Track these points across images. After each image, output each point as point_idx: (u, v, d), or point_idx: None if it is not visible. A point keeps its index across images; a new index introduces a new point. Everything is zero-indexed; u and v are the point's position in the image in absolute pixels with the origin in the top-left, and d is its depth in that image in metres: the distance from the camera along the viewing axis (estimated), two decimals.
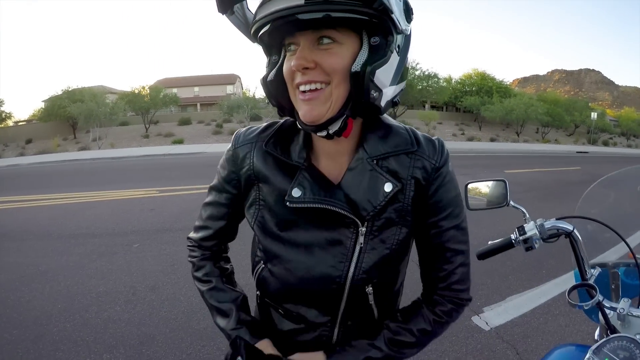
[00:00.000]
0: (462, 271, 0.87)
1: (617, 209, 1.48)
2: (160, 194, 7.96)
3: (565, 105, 42.37)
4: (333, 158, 0.84)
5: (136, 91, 31.06)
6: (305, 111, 0.72)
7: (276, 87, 0.77)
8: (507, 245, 1.11)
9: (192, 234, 1.02)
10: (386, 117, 0.86)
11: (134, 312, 3.22)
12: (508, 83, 46.96)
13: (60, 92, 29.94)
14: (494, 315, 3.16)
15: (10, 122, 33.33)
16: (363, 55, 0.69)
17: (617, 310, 0.94)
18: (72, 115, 25.38)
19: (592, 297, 0.89)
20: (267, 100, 0.85)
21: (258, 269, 0.90)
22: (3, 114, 30.66)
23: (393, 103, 0.78)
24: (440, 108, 45.32)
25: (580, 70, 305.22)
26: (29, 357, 2.66)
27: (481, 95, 38.24)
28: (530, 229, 1.06)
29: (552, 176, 11.87)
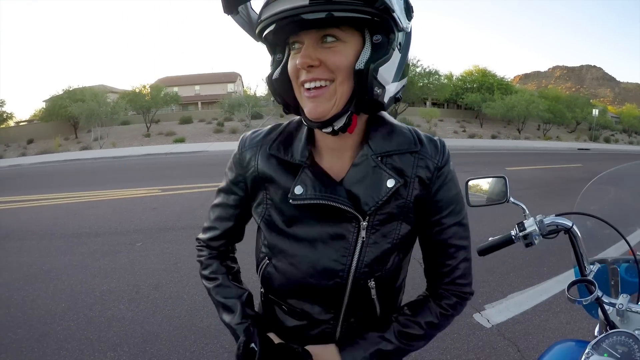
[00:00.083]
0: (464, 266, 0.91)
1: (618, 206, 1.49)
2: (163, 193, 7.98)
3: (566, 102, 42.21)
4: (336, 154, 0.86)
5: (137, 90, 31.07)
6: (311, 108, 0.74)
7: (281, 84, 0.79)
8: (507, 241, 1.12)
9: (201, 235, 1.04)
10: (389, 117, 0.88)
11: (138, 311, 3.24)
12: (509, 80, 46.85)
13: (61, 92, 29.97)
14: (495, 313, 3.17)
15: (11, 123, 33.37)
16: (366, 53, 0.71)
17: (616, 306, 0.95)
18: (74, 115, 25.41)
19: (591, 292, 0.90)
20: (272, 99, 0.87)
21: (263, 265, 0.91)
22: (4, 115, 30.68)
23: (395, 99, 0.80)
24: (441, 105, 45.21)
25: (582, 66, 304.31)
26: (33, 356, 2.68)
27: (482, 92, 38.12)
28: (530, 225, 1.07)
29: (554, 173, 11.86)
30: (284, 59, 0.79)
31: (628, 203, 1.51)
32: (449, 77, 38.63)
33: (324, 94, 0.73)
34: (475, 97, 36.52)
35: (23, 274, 4.06)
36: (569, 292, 0.91)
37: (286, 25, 0.69)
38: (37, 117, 34.70)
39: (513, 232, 1.10)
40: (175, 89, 40.22)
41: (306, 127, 0.87)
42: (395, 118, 0.88)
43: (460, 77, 42.73)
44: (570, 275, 1.13)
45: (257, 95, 29.15)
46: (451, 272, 0.90)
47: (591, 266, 1.06)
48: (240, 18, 0.76)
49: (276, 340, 0.90)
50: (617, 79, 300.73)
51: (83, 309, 3.28)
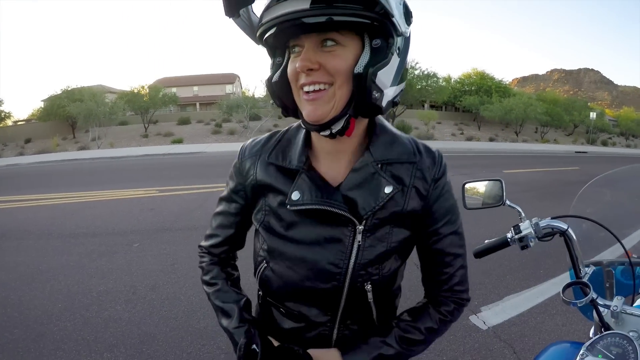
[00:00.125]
0: (461, 273, 0.94)
1: (613, 208, 1.50)
2: (160, 194, 7.97)
3: (564, 105, 42.34)
4: (334, 157, 0.87)
5: (135, 91, 31.00)
6: (309, 111, 0.75)
7: (280, 87, 0.80)
8: (503, 243, 1.13)
9: (203, 242, 1.07)
10: (390, 125, 0.90)
11: (135, 312, 3.23)
12: (507, 82, 46.93)
13: (59, 92, 29.86)
14: (491, 315, 3.18)
15: (9, 122, 33.23)
16: (365, 57, 0.72)
17: (611, 308, 0.96)
18: (72, 115, 25.35)
19: (586, 295, 0.91)
20: (270, 101, 0.87)
21: (260, 268, 0.92)
22: (2, 114, 30.51)
23: (393, 103, 0.81)
24: (439, 108, 45.32)
25: (580, 69, 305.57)
26: (30, 356, 2.68)
27: (480, 95, 38.18)
28: (526, 227, 1.08)
29: (551, 176, 11.90)
30: (284, 62, 0.79)
31: (624, 206, 1.52)
32: (447, 79, 38.71)
33: (323, 97, 0.74)
34: (473, 100, 36.56)
35: (20, 274, 4.05)
36: (564, 294, 0.92)
37: (287, 28, 0.70)
38: (35, 117, 34.65)
39: (509, 235, 1.11)
40: (174, 89, 40.25)
41: (303, 132, 0.89)
42: (393, 120, 0.89)
43: (458, 80, 42.79)
44: (566, 278, 1.14)
45: (256, 96, 29.10)
46: (449, 279, 0.93)
47: (586, 269, 1.06)
48: (242, 21, 0.76)
49: (275, 343, 0.90)
50: (615, 82, 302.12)
51: (80, 309, 3.28)
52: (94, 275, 3.97)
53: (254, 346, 0.84)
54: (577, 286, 0.98)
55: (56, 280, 3.86)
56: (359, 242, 0.83)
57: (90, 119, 24.04)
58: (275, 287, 0.90)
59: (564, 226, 1.06)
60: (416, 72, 28.39)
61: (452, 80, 41.42)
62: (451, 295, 0.94)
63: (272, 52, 0.82)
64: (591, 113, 38.22)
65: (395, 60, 0.74)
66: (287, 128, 0.94)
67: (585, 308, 1.09)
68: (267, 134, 0.96)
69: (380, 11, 0.67)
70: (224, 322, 0.97)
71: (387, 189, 0.82)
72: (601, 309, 0.97)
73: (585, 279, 1.02)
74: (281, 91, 0.80)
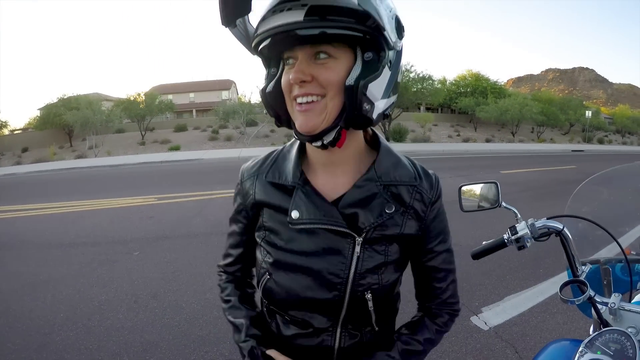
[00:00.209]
0: (453, 287, 1.01)
1: (610, 207, 1.52)
2: (159, 202, 7.97)
3: (559, 104, 42.40)
4: (329, 169, 0.90)
5: (131, 98, 30.93)
6: (302, 122, 0.77)
7: (274, 98, 0.82)
8: (500, 245, 1.15)
9: (220, 261, 1.10)
10: (392, 147, 0.94)
11: (137, 320, 3.24)
12: (502, 83, 47.00)
13: (55, 100, 29.80)
14: (492, 315, 3.20)
15: (6, 131, 33.14)
16: (357, 69, 0.74)
17: (609, 305, 0.98)
18: (68, 123, 25.27)
19: (583, 292, 0.93)
20: (265, 111, 0.89)
21: (263, 280, 0.94)
22: None
23: (384, 115, 0.83)
24: (435, 110, 45.33)
25: (574, 68, 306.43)
26: None
27: (476, 96, 38.23)
28: (522, 228, 1.10)
29: (548, 175, 11.93)
30: (278, 73, 0.82)
31: (620, 204, 1.54)
32: (443, 81, 38.73)
33: (315, 109, 0.76)
34: (469, 101, 36.60)
35: (21, 283, 4.05)
36: (562, 293, 0.94)
37: (281, 40, 0.72)
38: (32, 126, 34.45)
39: (505, 236, 1.13)
40: (170, 96, 40.08)
41: (296, 147, 0.92)
42: (389, 124, 0.92)
43: (453, 82, 42.81)
44: (565, 277, 1.16)
45: (252, 102, 29.09)
46: (442, 293, 0.99)
47: (583, 267, 1.08)
48: (238, 31, 0.78)
49: (280, 358, 0.93)
50: (610, 80, 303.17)
51: (82, 318, 3.28)
52: (95, 284, 3.97)
53: None
54: (575, 284, 1.00)
55: (57, 290, 3.86)
56: (358, 253, 0.86)
57: (87, 127, 23.99)
58: (278, 297, 0.92)
59: (560, 226, 1.08)
60: (411, 75, 28.43)
61: (448, 82, 41.43)
62: (445, 307, 1.00)
63: (267, 63, 0.84)
64: (587, 111, 38.37)
65: (386, 73, 0.76)
66: (282, 146, 0.98)
67: (584, 306, 1.11)
68: (264, 155, 1.00)
69: (372, 25, 0.69)
70: (235, 336, 1.00)
71: (388, 209, 0.86)
72: (599, 306, 0.99)
73: (582, 277, 1.04)
74: (275, 101, 0.82)
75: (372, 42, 0.73)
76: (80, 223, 6.52)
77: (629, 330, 0.91)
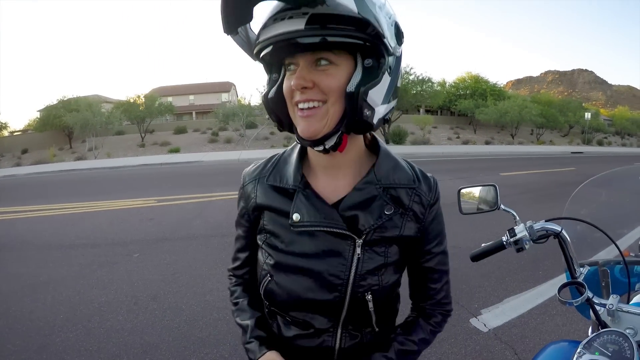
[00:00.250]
0: (447, 288, 1.03)
1: (608, 209, 1.53)
2: (159, 204, 7.97)
3: (559, 106, 42.50)
4: (330, 172, 0.91)
5: (131, 100, 30.98)
6: (304, 127, 0.79)
7: (276, 103, 0.84)
8: (499, 247, 1.16)
9: (229, 265, 1.12)
10: (391, 151, 0.95)
11: (137, 322, 3.24)
12: (502, 85, 47.10)
13: (55, 102, 29.80)
14: (491, 317, 3.20)
15: (5, 132, 33.16)
16: (357, 76, 0.75)
17: (607, 307, 0.99)
18: (68, 125, 25.28)
19: (581, 294, 0.94)
20: (267, 116, 0.90)
21: (265, 282, 0.95)
22: None
23: (384, 120, 0.85)
24: (434, 112, 45.37)
25: (574, 70, 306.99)
26: None
27: (475, 99, 38.29)
28: (520, 230, 1.11)
29: (548, 177, 11.94)
30: (280, 79, 0.83)
31: (618, 207, 1.55)
32: (442, 84, 38.78)
33: (317, 114, 0.77)
34: (469, 104, 36.67)
35: (21, 285, 4.05)
36: (560, 295, 0.95)
37: (282, 47, 0.73)
38: (32, 127, 34.41)
39: (504, 238, 1.14)
40: (170, 98, 40.22)
41: (297, 151, 0.94)
42: (389, 127, 0.93)
43: (453, 84, 42.92)
44: (564, 279, 1.17)
45: (252, 104, 29.11)
46: (437, 294, 1.01)
47: (581, 269, 1.09)
48: (240, 38, 0.80)
49: None
50: (609, 82, 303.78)
51: (82, 320, 3.28)
52: (95, 286, 3.98)
53: None
54: (573, 286, 1.01)
55: (57, 291, 3.86)
56: (359, 254, 0.88)
57: (86, 129, 24.02)
58: (280, 299, 0.93)
59: (558, 228, 1.09)
60: (411, 77, 28.47)
61: (447, 84, 41.53)
62: (438, 308, 1.02)
63: (269, 69, 0.85)
64: (586, 113, 38.40)
65: (386, 79, 0.78)
66: (283, 150, 0.99)
67: (582, 307, 1.12)
68: (265, 159, 1.01)
69: (372, 32, 0.71)
70: (242, 338, 1.01)
71: (387, 210, 0.87)
72: (597, 307, 1.00)
73: (580, 279, 1.05)
74: (277, 107, 0.84)
75: (372, 49, 0.74)
76: (80, 225, 6.52)
77: (627, 331, 0.92)
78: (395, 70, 0.81)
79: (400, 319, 1.06)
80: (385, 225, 0.88)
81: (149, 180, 12.11)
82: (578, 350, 0.89)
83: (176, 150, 23.55)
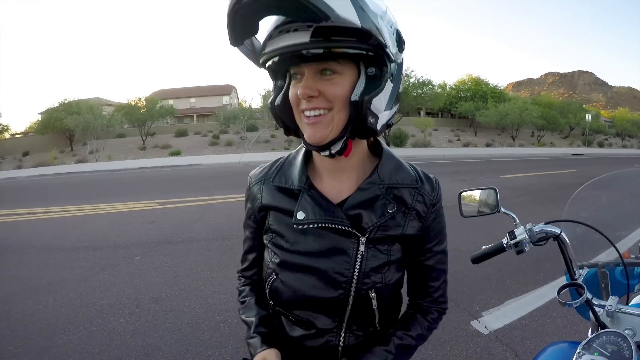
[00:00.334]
0: (444, 287, 1.05)
1: (608, 211, 1.54)
2: (160, 206, 7.98)
3: (559, 108, 42.51)
4: (335, 175, 0.94)
5: (132, 103, 31.06)
6: (310, 133, 0.81)
7: (282, 110, 0.86)
8: (499, 249, 1.17)
9: (239, 266, 1.14)
10: (393, 152, 0.98)
11: (139, 324, 3.25)
12: (502, 87, 47.13)
13: (56, 105, 29.81)
14: (492, 319, 3.21)
15: (7, 135, 33.22)
16: (361, 85, 0.78)
17: (606, 308, 1.00)
18: (69, 128, 25.32)
19: (580, 295, 0.95)
20: (267, 119, 0.92)
21: (270, 280, 0.97)
22: (0, 127, 30.56)
23: (387, 125, 0.88)
24: (435, 114, 45.44)
25: (574, 72, 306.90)
26: None
27: (476, 101, 38.31)
28: (520, 233, 1.12)
29: (548, 179, 11.94)
30: (285, 86, 0.86)
31: (617, 209, 1.56)
32: (443, 86, 38.79)
33: (323, 121, 0.80)
34: (469, 106, 36.70)
35: (22, 287, 4.06)
36: (560, 296, 0.96)
37: (288, 58, 0.75)
38: (33, 130, 34.50)
39: (504, 241, 1.15)
40: (171, 101, 40.20)
41: (302, 154, 0.97)
42: (390, 129, 0.95)
43: (453, 86, 42.95)
44: (564, 281, 1.18)
45: (252, 107, 29.14)
46: (434, 292, 1.03)
47: (580, 270, 1.11)
48: (245, 48, 0.82)
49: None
50: (609, 83, 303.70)
51: (84, 322, 3.29)
52: (97, 289, 3.98)
53: None
54: (573, 288, 1.02)
55: (59, 294, 3.87)
56: (362, 252, 0.90)
57: (87, 132, 24.06)
58: (285, 297, 0.95)
59: (557, 231, 1.10)
60: (411, 80, 28.49)
61: (448, 87, 41.56)
62: (435, 305, 1.04)
63: (274, 76, 0.88)
64: (586, 115, 38.42)
65: (388, 86, 0.80)
66: (288, 154, 1.02)
67: (582, 308, 1.13)
68: (271, 161, 1.04)
69: (374, 43, 0.73)
70: (246, 334, 1.03)
71: (390, 209, 0.90)
72: (597, 308, 1.01)
73: (579, 281, 1.06)
74: (283, 113, 0.87)
75: (374, 58, 0.76)
76: (81, 227, 6.53)
77: (626, 332, 0.93)
78: (397, 77, 0.83)
79: None
80: (389, 223, 0.90)
81: (150, 183, 12.13)
82: (577, 350, 0.90)
83: (177, 153, 23.57)
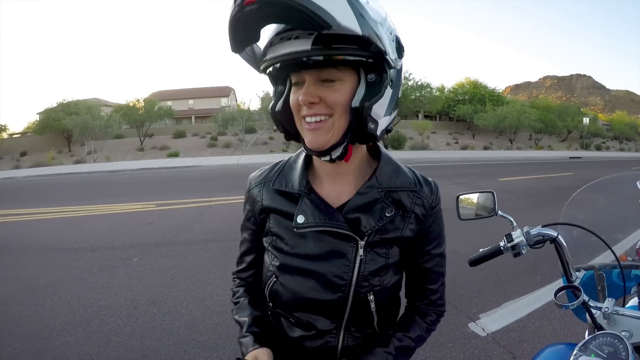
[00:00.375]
0: (442, 289, 1.06)
1: (605, 214, 1.55)
2: (158, 208, 7.98)
3: (557, 111, 42.64)
4: (335, 179, 0.95)
5: (131, 104, 31.02)
6: (311, 139, 0.82)
7: (283, 115, 0.87)
8: (497, 252, 1.18)
9: (234, 268, 1.14)
10: (391, 156, 0.99)
11: (136, 326, 3.24)
12: (500, 91, 47.25)
13: (55, 105, 29.77)
14: (490, 322, 3.21)
15: (5, 135, 33.18)
16: (361, 91, 0.78)
17: (602, 310, 1.01)
18: (67, 128, 25.26)
19: (577, 298, 0.96)
20: (266, 121, 0.93)
21: (270, 282, 0.98)
22: None
23: (387, 131, 0.89)
24: (433, 117, 45.52)
25: (572, 75, 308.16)
26: None
27: (474, 104, 38.42)
28: (517, 236, 1.13)
29: (546, 182, 11.98)
30: (285, 91, 0.86)
31: (614, 212, 1.57)
32: (441, 89, 38.89)
33: (324, 127, 0.81)
34: (467, 109, 36.77)
35: (20, 288, 4.05)
36: (557, 298, 0.97)
37: (289, 64, 0.76)
38: (31, 130, 34.42)
39: (502, 243, 1.16)
40: (169, 103, 40.11)
41: (302, 158, 0.98)
42: (389, 133, 0.96)
43: (452, 89, 43.02)
44: (562, 283, 1.19)
45: (251, 109, 29.13)
46: (432, 294, 1.04)
47: (577, 273, 1.11)
48: (246, 54, 0.82)
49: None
50: (607, 86, 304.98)
51: (81, 323, 3.28)
52: (95, 290, 3.98)
53: None
54: (570, 290, 1.03)
55: (57, 295, 3.86)
56: (361, 256, 0.90)
57: (86, 133, 24.02)
58: (285, 299, 0.95)
59: (554, 234, 1.11)
60: (410, 83, 28.54)
61: (446, 89, 41.65)
62: (433, 308, 1.04)
63: (274, 81, 0.89)
64: (584, 118, 38.56)
65: (388, 92, 0.81)
66: (288, 157, 1.03)
67: (579, 311, 1.14)
68: (271, 165, 1.04)
69: (374, 50, 0.74)
70: (238, 334, 1.03)
71: (388, 212, 0.90)
72: (593, 310, 1.02)
73: (576, 283, 1.07)
74: (284, 119, 0.88)
75: (374, 64, 0.77)
76: (79, 228, 6.52)
77: (622, 333, 0.94)
78: (396, 83, 0.84)
79: None
80: (387, 227, 0.91)
81: (148, 184, 12.12)
82: (574, 352, 0.90)
83: (175, 155, 23.55)
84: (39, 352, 2.88)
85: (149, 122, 30.33)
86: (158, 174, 15.13)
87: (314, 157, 0.95)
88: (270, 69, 0.79)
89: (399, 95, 0.88)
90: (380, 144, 1.00)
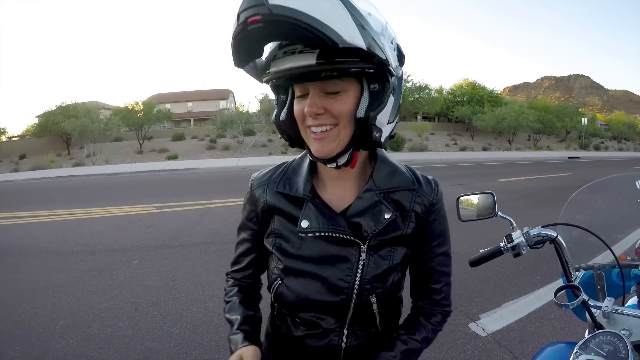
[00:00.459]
0: (447, 289, 1.05)
1: (604, 214, 1.56)
2: (158, 210, 7.97)
3: (555, 112, 42.71)
4: (339, 183, 0.96)
5: (130, 107, 30.96)
6: (317, 148, 0.83)
7: (287, 124, 0.88)
8: (497, 252, 1.19)
9: (229, 268, 1.15)
10: (389, 156, 0.99)
11: (137, 328, 3.25)
12: (498, 92, 47.27)
13: (53, 108, 29.77)
14: (490, 322, 3.22)
15: (3, 138, 33.15)
16: (365, 101, 0.80)
17: (602, 309, 1.02)
18: (66, 131, 25.22)
19: (577, 297, 0.97)
20: (264, 124, 0.94)
21: (275, 285, 0.99)
22: None
23: (390, 137, 0.90)
24: (432, 119, 45.49)
25: (570, 76, 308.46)
26: None
27: (472, 105, 38.43)
28: (517, 236, 1.14)
29: (545, 183, 11.99)
30: (288, 100, 0.87)
31: (613, 212, 1.58)
32: (439, 90, 38.96)
33: (329, 136, 0.82)
34: (466, 110, 36.78)
35: (20, 290, 4.05)
36: (557, 298, 0.98)
37: (293, 77, 0.78)
38: (30, 133, 34.43)
39: (502, 244, 1.17)
40: (168, 105, 40.17)
41: (307, 163, 0.98)
42: (393, 138, 0.97)
43: (450, 91, 43.07)
44: (561, 283, 1.20)
45: (250, 112, 29.13)
46: (436, 294, 1.03)
47: (577, 272, 1.12)
48: (249, 67, 0.83)
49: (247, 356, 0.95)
50: (605, 87, 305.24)
51: (82, 326, 3.29)
52: (95, 292, 3.98)
53: None
54: (570, 289, 1.04)
55: (57, 298, 3.87)
56: (364, 260, 0.92)
57: (84, 135, 23.98)
58: (290, 301, 0.96)
59: (554, 234, 1.12)
60: (409, 85, 28.56)
61: (444, 91, 41.71)
62: (438, 308, 1.04)
63: (276, 90, 0.89)
64: (583, 118, 38.52)
65: (390, 100, 0.82)
66: (292, 160, 1.03)
67: (579, 310, 1.15)
68: (274, 166, 1.05)
69: (377, 61, 0.75)
70: (228, 332, 1.03)
71: (387, 215, 0.91)
72: (593, 310, 1.03)
73: (576, 283, 1.08)
74: (288, 128, 0.88)
75: (377, 74, 0.78)
76: (78, 231, 6.52)
77: (622, 332, 0.95)
78: (398, 90, 0.85)
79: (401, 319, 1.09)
80: (387, 229, 0.92)
81: (147, 187, 12.12)
82: (574, 351, 0.91)
83: (174, 157, 23.53)
84: (39, 354, 2.88)
85: (147, 124, 30.28)
86: (157, 177, 15.12)
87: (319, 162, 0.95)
88: (273, 82, 0.81)
89: (400, 102, 0.89)
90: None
